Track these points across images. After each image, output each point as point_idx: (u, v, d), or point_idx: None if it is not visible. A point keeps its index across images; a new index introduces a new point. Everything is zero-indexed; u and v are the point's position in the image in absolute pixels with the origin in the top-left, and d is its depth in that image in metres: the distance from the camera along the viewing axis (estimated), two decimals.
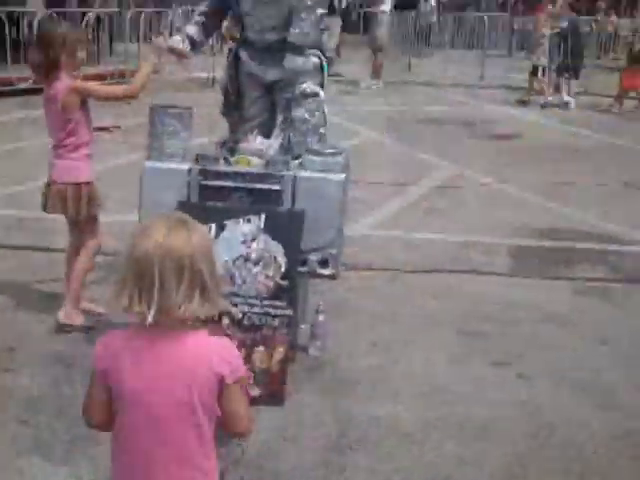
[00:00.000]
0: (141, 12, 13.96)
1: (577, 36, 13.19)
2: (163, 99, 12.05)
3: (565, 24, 13.02)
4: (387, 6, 14.71)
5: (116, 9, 13.85)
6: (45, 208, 4.19)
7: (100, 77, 12.30)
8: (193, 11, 4.69)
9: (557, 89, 13.20)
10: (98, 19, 13.34)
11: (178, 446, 1.89)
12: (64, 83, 4.00)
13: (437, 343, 4.29)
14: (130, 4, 15.64)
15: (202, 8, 4.56)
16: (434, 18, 21.52)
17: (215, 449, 1.97)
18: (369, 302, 4.83)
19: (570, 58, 12.90)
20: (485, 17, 18.30)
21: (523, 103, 13.28)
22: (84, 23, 12.51)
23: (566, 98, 12.99)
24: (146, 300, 1.83)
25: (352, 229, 6.03)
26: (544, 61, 13.12)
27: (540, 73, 13.25)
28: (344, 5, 17.61)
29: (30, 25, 11.96)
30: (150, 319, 1.82)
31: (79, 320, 4.23)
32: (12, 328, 4.23)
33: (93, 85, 4.22)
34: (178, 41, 4.37)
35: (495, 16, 20.58)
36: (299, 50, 4.21)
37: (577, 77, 13.30)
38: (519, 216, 6.70)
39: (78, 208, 4.11)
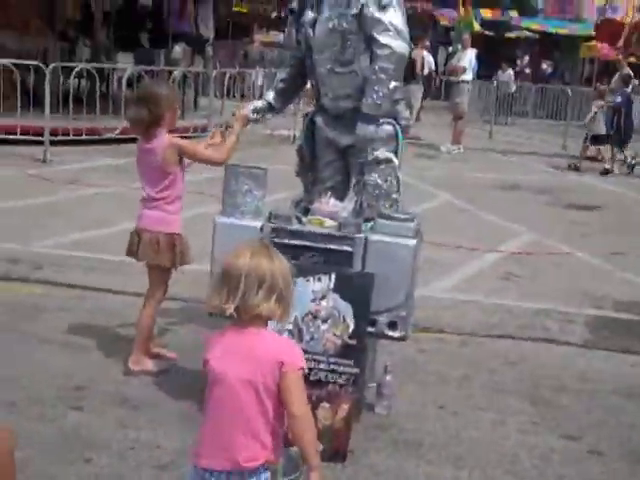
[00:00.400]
0: (225, 72, 14.37)
1: (629, 109, 13.88)
2: (245, 154, 12.40)
3: (619, 99, 13.81)
4: (468, 76, 14.84)
5: (202, 69, 14.29)
6: (131, 254, 4.32)
7: (185, 130, 12.70)
8: (275, 73, 4.83)
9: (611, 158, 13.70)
10: (184, 76, 13.80)
11: (246, 418, 2.34)
12: (164, 139, 4.16)
13: (507, 411, 4.21)
14: (216, 64, 16.13)
15: (282, 75, 4.71)
16: (513, 88, 21.56)
17: (278, 436, 2.39)
18: (439, 364, 4.78)
19: (623, 130, 13.56)
20: (568, 90, 18.22)
21: (576, 169, 13.57)
22: (171, 79, 12.93)
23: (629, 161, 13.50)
24: (232, 299, 2.33)
25: (426, 290, 6.04)
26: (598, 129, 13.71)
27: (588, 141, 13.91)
28: (426, 73, 17.79)
29: (120, 80, 12.43)
30: (231, 311, 2.32)
31: (148, 365, 4.32)
32: (84, 368, 4.33)
33: (192, 144, 4.35)
34: (254, 109, 4.58)
35: (578, 90, 20.47)
36: (371, 119, 4.28)
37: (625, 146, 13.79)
38: (597, 286, 6.58)
39: (173, 258, 4.24)
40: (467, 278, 6.64)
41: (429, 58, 18.78)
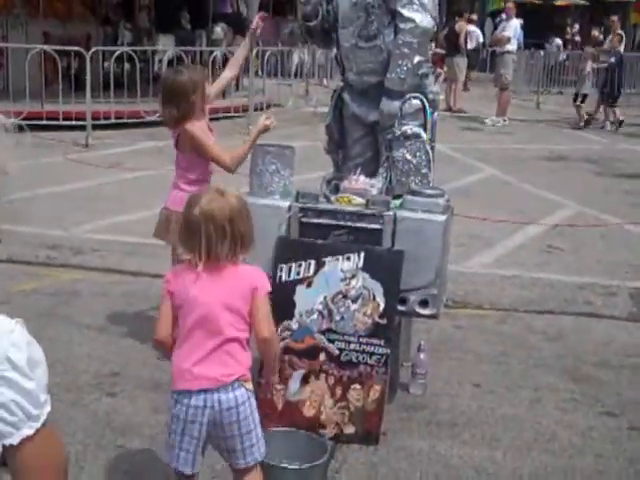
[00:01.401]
0: (266, 50, 14.32)
1: (621, 69, 14.76)
2: (287, 131, 12.37)
3: (613, 59, 14.59)
4: (513, 46, 14.54)
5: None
6: (160, 235, 4.31)
7: (226, 110, 12.72)
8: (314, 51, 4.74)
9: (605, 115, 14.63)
10: (225, 56, 13.77)
11: (222, 338, 2.54)
12: (186, 127, 4.12)
13: (545, 388, 4.14)
14: (258, 42, 16.06)
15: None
16: (561, 56, 21.11)
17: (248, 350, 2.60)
18: (476, 342, 4.71)
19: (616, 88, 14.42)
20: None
21: (587, 123, 14.31)
22: (211, 60, 12.93)
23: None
24: (197, 253, 2.52)
25: (466, 266, 5.97)
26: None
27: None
28: (474, 46, 17.51)
29: (160, 62, 12.47)
30: (200, 267, 2.52)
31: None
32: (119, 353, 4.36)
33: (205, 140, 4.17)
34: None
35: (631, 56, 19.91)
36: (395, 94, 4.21)
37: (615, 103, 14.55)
38: None
39: None
40: (508, 252, 6.53)
41: (476, 32, 18.49)
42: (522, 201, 8.36)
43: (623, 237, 7.14)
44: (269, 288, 2.63)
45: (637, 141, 13.05)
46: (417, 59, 4.16)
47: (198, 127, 4.15)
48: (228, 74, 4.65)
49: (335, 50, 4.53)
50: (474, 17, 19.52)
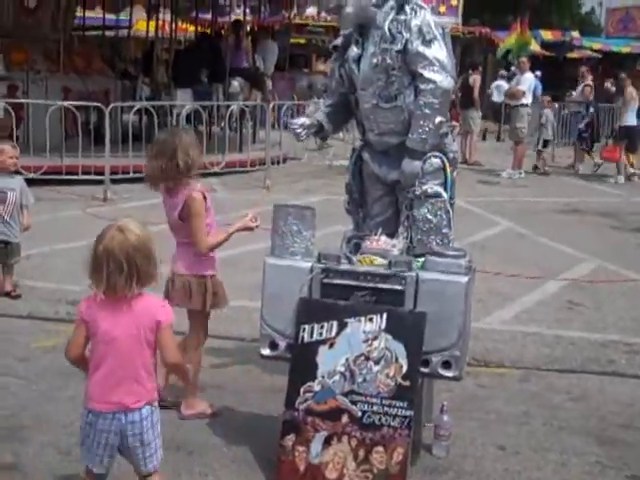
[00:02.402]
0: (283, 104, 14.46)
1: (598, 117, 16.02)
2: (303, 184, 12.39)
3: (591, 109, 15.80)
4: (527, 99, 14.63)
5: (258, 103, 14.41)
6: (168, 298, 4.27)
7: (242, 163, 12.82)
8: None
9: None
10: (242, 110, 13.92)
11: (131, 368, 2.90)
12: (185, 191, 4.12)
13: (571, 450, 4.07)
14: (274, 96, 16.25)
15: (329, 101, 4.66)
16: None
17: (155, 374, 2.98)
18: (499, 401, 4.66)
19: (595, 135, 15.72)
20: None
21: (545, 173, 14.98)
22: (228, 113, 13.07)
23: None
24: (100, 286, 2.85)
25: (486, 322, 5.93)
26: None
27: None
28: (500, 100, 17.63)
29: (178, 116, 12.61)
30: (100, 298, 2.87)
31: (201, 407, 4.30)
32: None
33: (198, 215, 4.11)
34: (301, 124, 4.52)
35: None
36: (417, 154, 4.23)
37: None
38: None
39: (204, 301, 4.19)
40: (528, 308, 6.48)
41: (504, 86, 18.50)
42: (540, 255, 8.33)
43: None
44: (172, 319, 2.97)
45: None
46: (438, 119, 4.19)
47: (200, 202, 4.12)
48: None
49: (354, 111, 4.56)
50: (504, 73, 19.52)
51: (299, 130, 4.53)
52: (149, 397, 2.96)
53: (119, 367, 2.89)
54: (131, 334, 2.88)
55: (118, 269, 2.82)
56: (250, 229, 4.25)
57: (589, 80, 15.93)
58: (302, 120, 4.59)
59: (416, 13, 4.23)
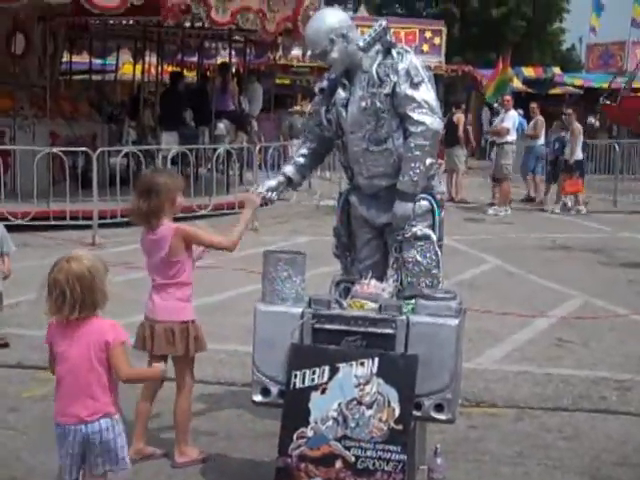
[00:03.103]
0: (269, 146, 14.55)
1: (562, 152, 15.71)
2: (291, 225, 12.39)
3: (557, 145, 15.92)
4: (512, 137, 14.80)
5: (245, 145, 14.50)
6: (143, 347, 4.24)
7: (230, 205, 12.84)
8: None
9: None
10: (228, 152, 14.00)
11: (85, 384, 3.19)
12: (169, 227, 4.16)
13: None
14: (260, 138, 16.34)
15: (303, 150, 4.72)
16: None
17: (114, 390, 3.27)
18: (492, 442, 4.65)
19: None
20: (616, 145, 18.04)
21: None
22: (215, 156, 13.15)
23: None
24: (51, 311, 3.19)
25: (477, 362, 5.93)
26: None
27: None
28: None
29: (165, 160, 12.67)
30: (51, 320, 3.24)
31: (194, 455, 4.27)
32: (134, 460, 4.25)
33: (197, 231, 4.29)
34: (268, 188, 4.62)
35: (627, 143, 20.20)
36: (409, 197, 4.28)
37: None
38: None
39: (187, 346, 4.19)
40: (518, 347, 6.49)
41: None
42: (528, 292, 8.37)
43: (632, 328, 7.11)
44: (122, 338, 3.23)
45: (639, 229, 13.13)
46: (429, 161, 4.25)
47: (189, 227, 4.25)
48: (225, 244, 4.41)
49: (341, 155, 4.60)
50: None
51: (269, 195, 4.60)
52: (105, 410, 3.22)
53: (74, 384, 3.21)
54: (81, 354, 3.18)
55: (62, 296, 3.14)
56: (256, 205, 4.47)
57: (539, 115, 16.14)
58: (267, 185, 4.65)
59: (403, 57, 4.30)
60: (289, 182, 4.69)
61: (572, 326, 7.11)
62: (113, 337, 3.19)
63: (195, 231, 4.28)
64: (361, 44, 4.35)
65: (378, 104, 4.28)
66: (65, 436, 3.23)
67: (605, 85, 28.38)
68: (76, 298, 3.13)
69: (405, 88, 4.25)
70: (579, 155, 15.30)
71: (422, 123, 4.23)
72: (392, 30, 4.50)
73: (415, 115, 4.24)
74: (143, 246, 4.28)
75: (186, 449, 4.27)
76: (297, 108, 22.66)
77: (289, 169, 4.68)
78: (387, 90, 4.27)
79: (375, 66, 4.30)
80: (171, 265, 4.17)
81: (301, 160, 4.70)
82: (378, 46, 4.35)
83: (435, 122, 4.26)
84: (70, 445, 3.22)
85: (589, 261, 10.32)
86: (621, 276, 9.40)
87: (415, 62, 4.31)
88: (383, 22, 4.46)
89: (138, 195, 4.20)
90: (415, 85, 4.26)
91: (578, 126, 15.52)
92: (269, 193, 4.61)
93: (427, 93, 4.27)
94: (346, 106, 4.42)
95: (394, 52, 4.31)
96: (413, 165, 4.24)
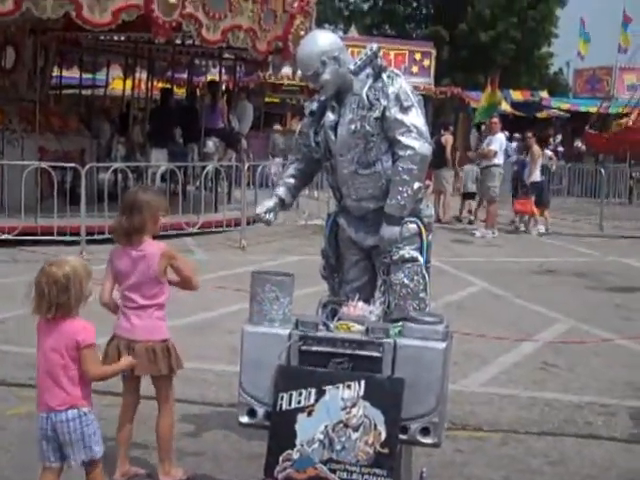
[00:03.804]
0: (258, 164, 14.58)
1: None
2: (279, 244, 12.36)
3: (516, 167, 16.92)
4: (499, 159, 14.89)
5: (233, 163, 14.51)
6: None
7: (218, 224, 12.84)
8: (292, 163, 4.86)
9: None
10: (217, 170, 14.02)
11: (54, 376, 3.52)
12: (157, 245, 4.17)
13: None
14: (249, 156, 16.36)
15: (291, 170, 4.74)
16: (553, 167, 21.58)
17: (86, 385, 3.57)
18: (478, 466, 4.65)
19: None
20: (602, 169, 18.18)
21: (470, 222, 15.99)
22: (204, 174, 13.17)
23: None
24: (32, 308, 3.52)
25: (463, 385, 5.93)
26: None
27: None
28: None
29: (154, 177, 12.68)
30: (41, 319, 3.54)
31: (179, 474, 4.26)
32: None
33: (183, 259, 4.32)
34: (266, 210, 4.62)
35: (613, 167, 20.36)
36: (396, 220, 4.30)
37: None
38: None
39: (169, 364, 4.19)
40: (504, 370, 6.50)
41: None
42: (514, 316, 8.39)
43: (617, 353, 7.13)
44: (90, 339, 3.51)
45: (625, 253, 13.19)
46: (417, 185, 4.27)
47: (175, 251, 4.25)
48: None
49: (329, 177, 4.61)
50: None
51: (268, 217, 4.61)
52: (72, 402, 3.52)
53: (46, 376, 3.54)
54: (54, 349, 3.50)
55: (39, 296, 3.48)
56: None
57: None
58: (266, 206, 4.64)
59: (393, 80, 4.33)
60: (282, 203, 4.69)
61: (558, 350, 7.12)
62: (82, 338, 3.49)
63: (182, 258, 4.29)
64: (352, 67, 4.37)
65: (367, 127, 4.30)
66: (40, 423, 3.56)
67: (592, 109, 28.66)
68: (52, 299, 3.46)
69: (395, 112, 4.27)
70: (536, 177, 15.69)
71: (411, 147, 4.26)
72: (382, 51, 4.52)
73: (404, 139, 4.26)
74: (119, 266, 4.21)
75: (170, 469, 4.24)
76: (277, 127, 22.80)
77: (281, 190, 4.69)
78: (377, 114, 4.28)
79: (365, 89, 4.32)
80: (154, 284, 4.15)
81: (291, 181, 4.71)
82: (369, 69, 4.38)
83: (424, 147, 4.29)
84: (44, 432, 3.55)
85: (576, 285, 10.36)
86: (608, 300, 9.43)
87: (405, 86, 4.34)
88: (374, 46, 4.48)
89: (122, 212, 4.22)
90: (405, 109, 4.28)
91: (537, 149, 15.96)
92: (267, 215, 4.61)
93: (416, 118, 4.30)
94: (335, 129, 4.43)
95: (384, 76, 4.34)
96: (401, 189, 4.26)
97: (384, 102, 4.28)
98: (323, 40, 4.42)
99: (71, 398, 3.52)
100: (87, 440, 3.55)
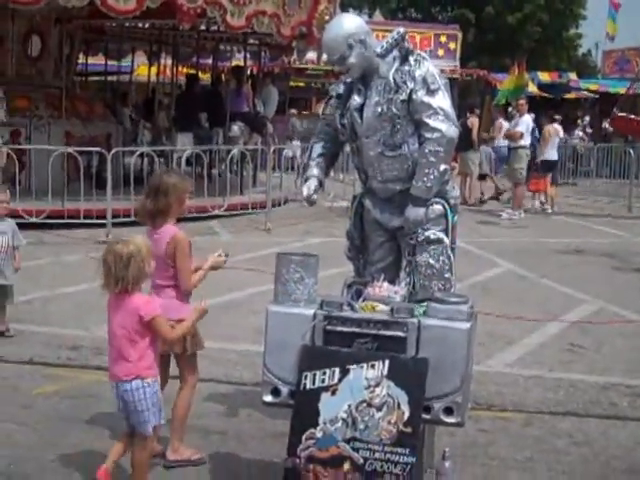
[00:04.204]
0: (283, 148, 14.58)
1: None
2: (305, 227, 12.39)
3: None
4: (526, 141, 14.78)
5: (259, 147, 14.53)
6: None
7: (244, 206, 12.89)
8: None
9: None
10: (242, 154, 14.05)
11: (121, 348, 3.76)
12: (170, 231, 4.19)
13: None
14: (274, 140, 16.37)
15: (320, 150, 4.74)
16: (582, 148, 21.39)
17: (150, 356, 3.79)
18: (502, 446, 4.65)
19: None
20: (630, 149, 17.97)
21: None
22: (229, 158, 13.20)
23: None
24: (102, 283, 3.74)
25: (488, 365, 5.93)
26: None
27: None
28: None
29: (179, 160, 12.74)
30: (110, 295, 3.78)
31: (187, 454, 4.27)
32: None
33: (185, 250, 4.21)
34: (312, 190, 4.63)
35: None
36: (421, 202, 4.31)
37: None
38: None
39: (184, 344, 4.21)
40: (530, 351, 6.48)
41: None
42: (540, 297, 8.35)
43: None
44: (152, 313, 3.73)
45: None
46: (443, 167, 4.29)
47: (187, 242, 4.22)
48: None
49: (355, 159, 4.62)
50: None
51: (314, 198, 4.63)
52: (138, 372, 3.73)
53: (114, 349, 3.78)
54: (120, 323, 3.74)
55: (106, 273, 3.69)
56: (218, 267, 4.42)
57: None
58: (312, 188, 4.63)
59: (420, 64, 4.33)
60: (320, 184, 4.72)
61: (584, 331, 7.08)
62: (145, 312, 3.71)
63: (185, 252, 4.21)
64: (379, 50, 4.38)
65: (394, 110, 4.31)
66: (113, 392, 3.83)
67: (621, 90, 28.33)
68: (117, 275, 3.66)
69: (422, 95, 4.28)
70: (549, 156, 15.62)
71: (438, 130, 4.27)
72: (407, 34, 4.51)
73: (431, 122, 4.28)
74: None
75: (180, 447, 4.25)
76: (293, 111, 22.91)
77: (316, 172, 4.69)
78: (403, 96, 4.30)
79: (392, 72, 4.33)
80: (167, 267, 4.19)
81: (321, 160, 4.73)
82: (395, 52, 4.38)
83: (450, 129, 4.30)
84: (116, 400, 3.83)
85: (603, 266, 10.29)
86: (635, 281, 9.36)
87: (432, 69, 4.35)
88: (401, 29, 4.49)
89: (147, 194, 4.27)
90: (432, 92, 4.30)
91: (549, 128, 15.89)
92: (313, 196, 4.64)
93: (443, 100, 4.31)
94: (361, 111, 4.44)
95: (411, 59, 4.34)
96: (427, 171, 4.27)
97: (411, 85, 4.29)
98: (349, 23, 4.42)
99: (137, 369, 3.73)
100: (147, 410, 3.75)
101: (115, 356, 3.78)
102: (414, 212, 4.31)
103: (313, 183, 4.67)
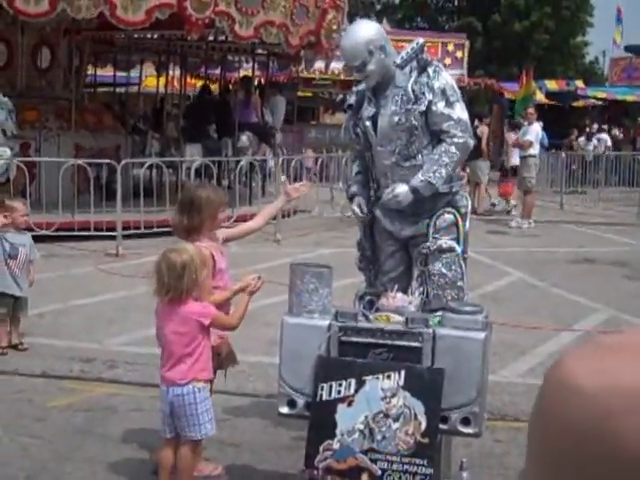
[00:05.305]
0: (291, 159, 14.59)
1: None
2: (315, 237, 12.37)
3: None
4: (535, 150, 14.76)
5: (268, 157, 14.54)
6: None
7: (253, 217, 12.85)
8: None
9: None
10: (251, 164, 14.06)
11: (176, 355, 3.85)
12: (199, 249, 4.13)
13: None
14: (283, 149, 16.38)
15: (357, 168, 4.74)
16: (590, 156, 21.34)
17: (204, 358, 3.88)
18: (517, 457, 4.61)
19: None
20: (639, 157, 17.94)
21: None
22: (237, 168, 13.21)
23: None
24: (163, 289, 3.78)
25: (501, 375, 5.90)
26: None
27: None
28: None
29: (188, 171, 12.76)
30: (161, 302, 3.88)
31: (208, 469, 4.28)
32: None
33: (199, 271, 3.90)
34: (359, 206, 4.63)
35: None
36: (417, 194, 4.36)
37: None
38: None
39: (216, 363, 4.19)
40: (542, 360, 6.44)
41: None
42: (552, 306, 8.32)
43: None
44: (212, 314, 3.85)
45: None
46: (450, 171, 4.33)
47: (207, 256, 4.07)
48: (253, 225, 4.75)
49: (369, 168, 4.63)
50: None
51: (364, 215, 4.62)
52: (192, 376, 3.81)
53: (169, 353, 3.86)
54: (172, 330, 3.82)
55: (158, 280, 3.76)
56: (254, 292, 4.16)
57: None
58: (361, 205, 4.62)
59: (438, 75, 4.35)
60: (366, 200, 4.70)
61: None
62: (204, 318, 3.81)
63: (205, 273, 3.96)
64: (398, 61, 4.38)
65: (413, 121, 4.33)
66: (161, 396, 3.90)
67: (629, 98, 28.31)
68: (169, 283, 3.71)
69: (441, 106, 4.31)
70: (515, 161, 15.90)
71: (459, 137, 4.33)
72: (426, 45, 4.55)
73: (452, 130, 4.34)
74: None
75: (200, 464, 4.23)
76: (328, 120, 23.04)
77: (357, 189, 4.68)
78: (422, 107, 4.31)
79: (411, 83, 4.33)
80: None
81: (359, 177, 4.72)
82: (413, 63, 4.39)
83: (469, 140, 4.38)
84: (164, 405, 3.86)
85: (614, 274, 10.25)
86: None
87: (450, 81, 4.40)
88: (420, 40, 4.52)
89: (180, 209, 4.23)
90: (451, 104, 4.34)
91: (512, 136, 16.30)
92: (364, 214, 4.63)
93: (462, 112, 4.38)
94: (373, 120, 4.44)
95: (430, 70, 4.35)
96: (436, 168, 4.29)
97: (429, 96, 4.30)
98: (368, 29, 4.43)
99: (192, 372, 3.82)
100: (201, 417, 3.81)
101: (170, 360, 3.84)
102: (405, 196, 4.32)
103: (360, 201, 4.65)
